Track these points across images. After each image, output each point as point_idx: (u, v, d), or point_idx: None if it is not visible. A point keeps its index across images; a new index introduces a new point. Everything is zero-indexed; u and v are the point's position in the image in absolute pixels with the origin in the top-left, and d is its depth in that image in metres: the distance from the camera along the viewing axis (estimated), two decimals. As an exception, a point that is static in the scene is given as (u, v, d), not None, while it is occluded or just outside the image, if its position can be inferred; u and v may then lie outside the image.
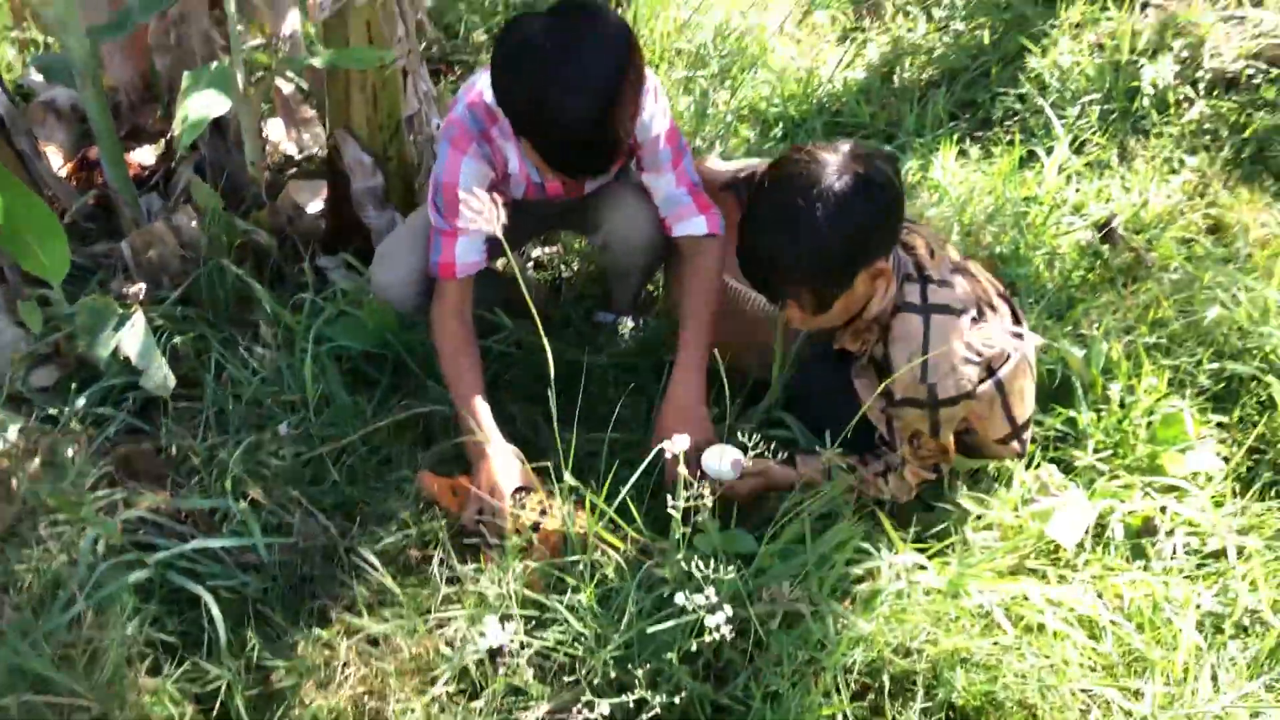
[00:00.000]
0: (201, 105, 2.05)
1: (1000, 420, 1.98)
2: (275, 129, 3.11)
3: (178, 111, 2.05)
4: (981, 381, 1.89)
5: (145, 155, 3.05)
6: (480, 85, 2.02)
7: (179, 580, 1.89)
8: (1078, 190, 2.84)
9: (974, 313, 1.90)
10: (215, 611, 1.81)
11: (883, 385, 1.84)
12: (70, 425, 2.24)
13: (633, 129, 1.87)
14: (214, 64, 2.21)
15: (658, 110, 2.05)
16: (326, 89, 2.66)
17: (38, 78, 3.18)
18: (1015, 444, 2.02)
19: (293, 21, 2.89)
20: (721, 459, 1.90)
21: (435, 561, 1.87)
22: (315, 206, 2.89)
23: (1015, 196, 2.81)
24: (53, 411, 2.28)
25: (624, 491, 1.75)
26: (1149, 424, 2.18)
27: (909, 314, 1.85)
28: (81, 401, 2.23)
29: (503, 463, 1.94)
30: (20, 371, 2.38)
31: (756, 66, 3.34)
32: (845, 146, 1.77)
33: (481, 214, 1.47)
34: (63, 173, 2.95)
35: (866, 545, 1.83)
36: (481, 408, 2.03)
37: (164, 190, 2.90)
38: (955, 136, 3.09)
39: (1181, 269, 2.57)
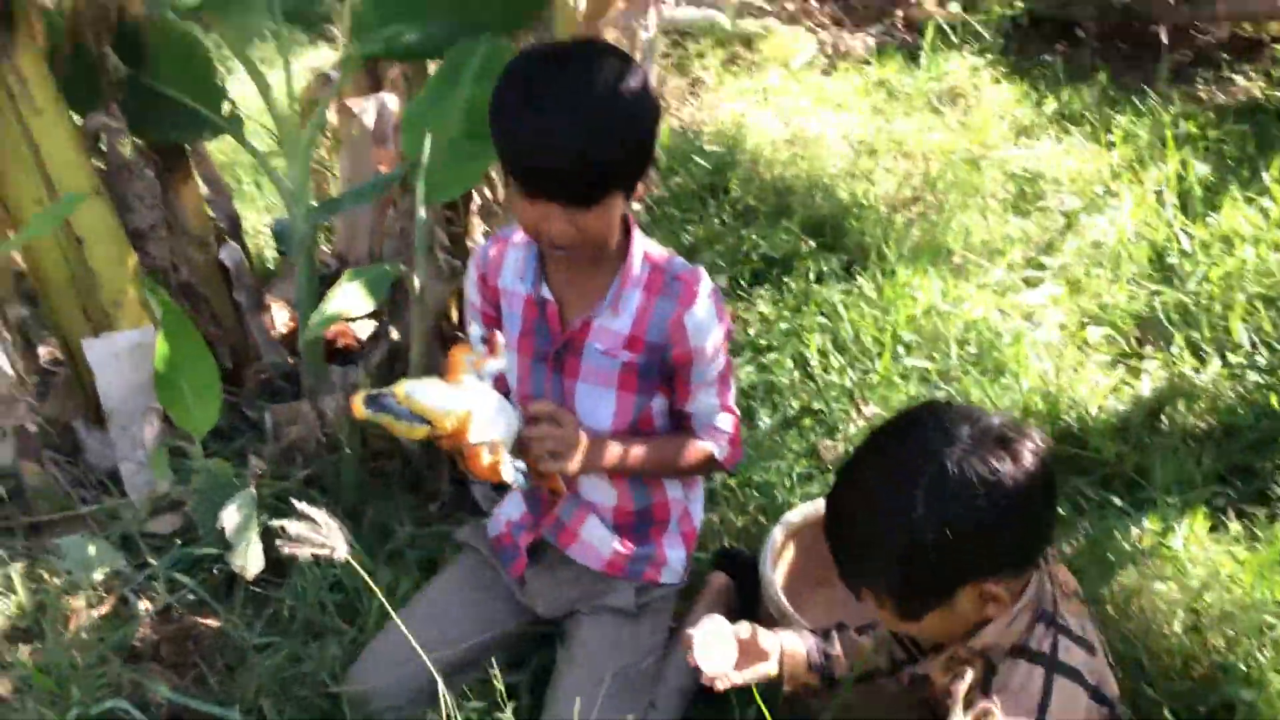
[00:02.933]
0: (341, 303, 2.03)
1: None
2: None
3: (324, 303, 2.04)
4: None
5: (365, 328, 3.13)
6: None
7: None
8: (1355, 609, 2.28)
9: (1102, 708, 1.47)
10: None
11: None
12: (154, 582, 2.22)
13: (632, 176, 1.69)
14: (381, 264, 2.20)
15: (713, 315, 1.82)
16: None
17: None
18: None
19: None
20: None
21: None
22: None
23: (1267, 599, 2.29)
24: (152, 560, 2.28)
25: None
26: None
27: (1031, 665, 1.44)
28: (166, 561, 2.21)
29: None
30: (145, 512, 2.40)
31: (1005, 373, 3.01)
32: (989, 421, 1.41)
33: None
34: (284, 328, 3.07)
35: None
36: None
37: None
38: (1216, 504, 2.60)
39: None
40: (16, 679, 1.96)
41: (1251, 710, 2.10)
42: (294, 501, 2.32)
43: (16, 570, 2.19)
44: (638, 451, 1.85)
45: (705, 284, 1.83)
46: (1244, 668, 2.16)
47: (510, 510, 2.09)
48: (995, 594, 1.41)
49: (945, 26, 5.20)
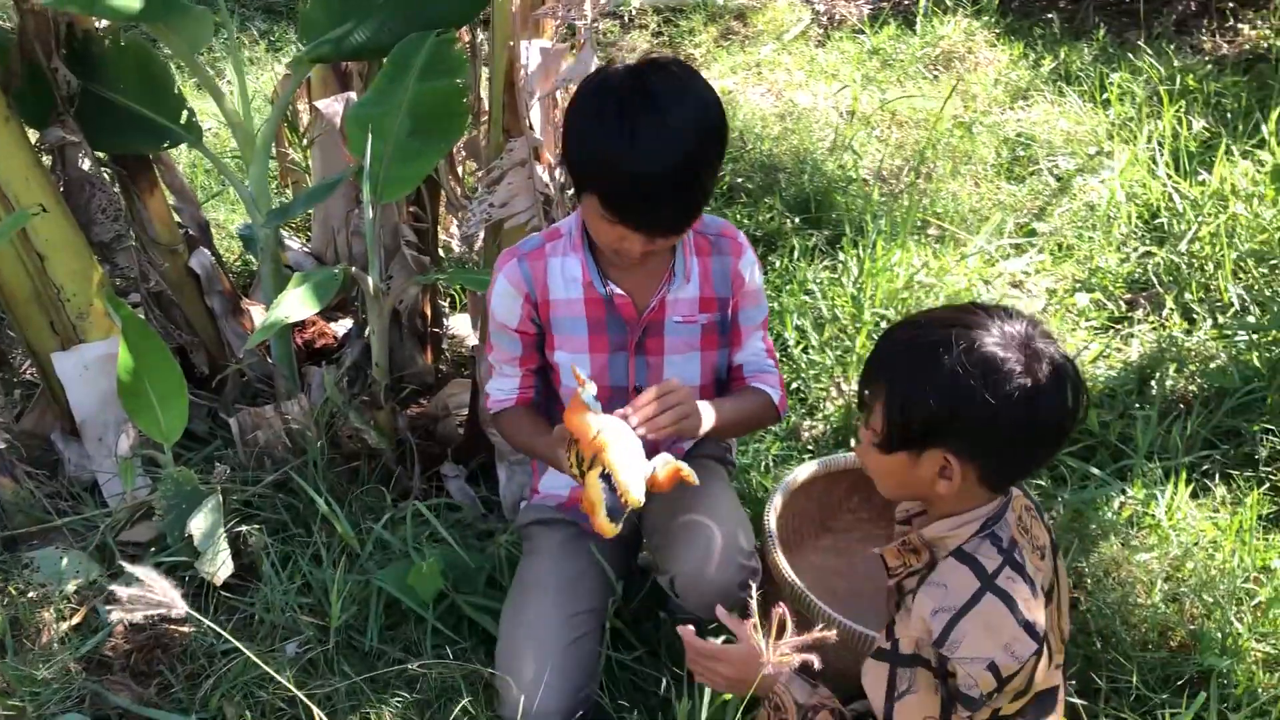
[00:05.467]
0: (288, 308, 2.02)
1: None
2: (462, 323, 3.11)
3: (271, 309, 2.04)
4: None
5: (343, 326, 3.13)
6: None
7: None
8: (1338, 575, 2.23)
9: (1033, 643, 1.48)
10: None
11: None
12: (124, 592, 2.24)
13: (710, 191, 1.75)
14: (335, 267, 2.20)
15: (755, 257, 2.00)
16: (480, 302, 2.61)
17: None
18: None
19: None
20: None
21: None
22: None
23: (1247, 564, 2.25)
24: (129, 569, 2.30)
25: None
26: None
27: (967, 570, 1.50)
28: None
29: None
30: (122, 522, 2.42)
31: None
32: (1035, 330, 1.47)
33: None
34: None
35: None
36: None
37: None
38: (1200, 470, 2.55)
39: None
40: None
41: (1226, 679, 2.07)
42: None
43: (-10, 586, 2.23)
44: (728, 406, 1.94)
45: (740, 232, 2.00)
46: (1220, 635, 2.12)
47: (558, 483, 2.11)
48: (953, 471, 1.48)
49: (940, -11, 5.10)
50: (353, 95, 3.00)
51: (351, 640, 2.12)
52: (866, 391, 1.54)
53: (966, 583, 1.49)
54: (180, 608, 1.47)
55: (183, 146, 3.02)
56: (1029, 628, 1.46)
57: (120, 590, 1.50)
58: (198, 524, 2.22)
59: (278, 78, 4.00)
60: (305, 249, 3.32)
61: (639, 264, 1.85)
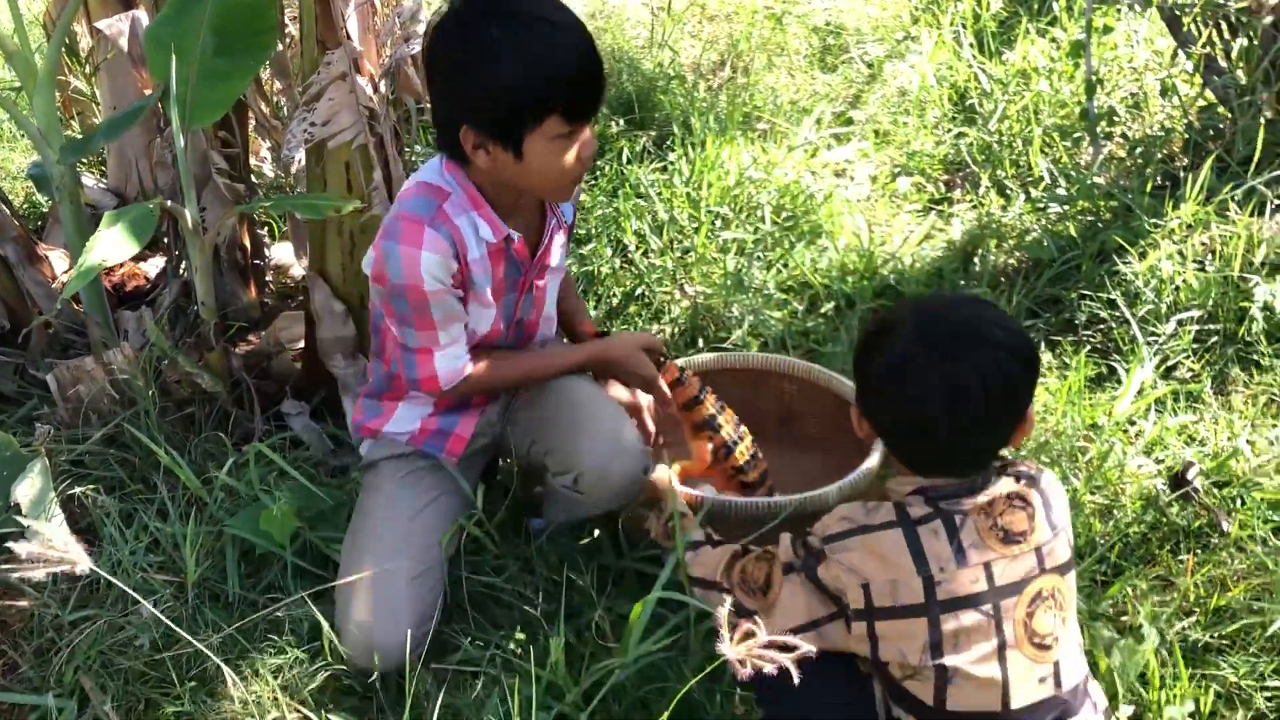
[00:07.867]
0: (104, 250, 1.86)
1: None
2: (284, 252, 2.96)
3: (82, 253, 1.87)
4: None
5: (155, 266, 2.93)
6: (414, 179, 1.88)
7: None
8: (1156, 423, 2.38)
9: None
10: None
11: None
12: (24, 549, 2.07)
13: None
14: (146, 202, 2.03)
15: None
16: (306, 228, 2.48)
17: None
18: None
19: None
20: None
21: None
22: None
23: (1078, 424, 2.38)
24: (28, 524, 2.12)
25: None
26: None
27: (892, 508, 1.53)
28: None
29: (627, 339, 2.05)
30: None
31: (820, 234, 3.01)
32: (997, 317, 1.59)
33: None
34: (66, 277, 2.85)
35: None
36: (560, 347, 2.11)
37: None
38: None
39: (1270, 543, 2.09)
40: None
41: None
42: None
43: None
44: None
45: None
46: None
47: (409, 418, 2.05)
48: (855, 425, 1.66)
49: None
50: (139, 14, 2.76)
51: (214, 592, 2.02)
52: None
53: (885, 514, 1.53)
54: (84, 563, 1.43)
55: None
56: (927, 583, 1.47)
57: (20, 546, 1.43)
58: (24, 491, 2.05)
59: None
60: (102, 184, 3.08)
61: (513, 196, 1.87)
